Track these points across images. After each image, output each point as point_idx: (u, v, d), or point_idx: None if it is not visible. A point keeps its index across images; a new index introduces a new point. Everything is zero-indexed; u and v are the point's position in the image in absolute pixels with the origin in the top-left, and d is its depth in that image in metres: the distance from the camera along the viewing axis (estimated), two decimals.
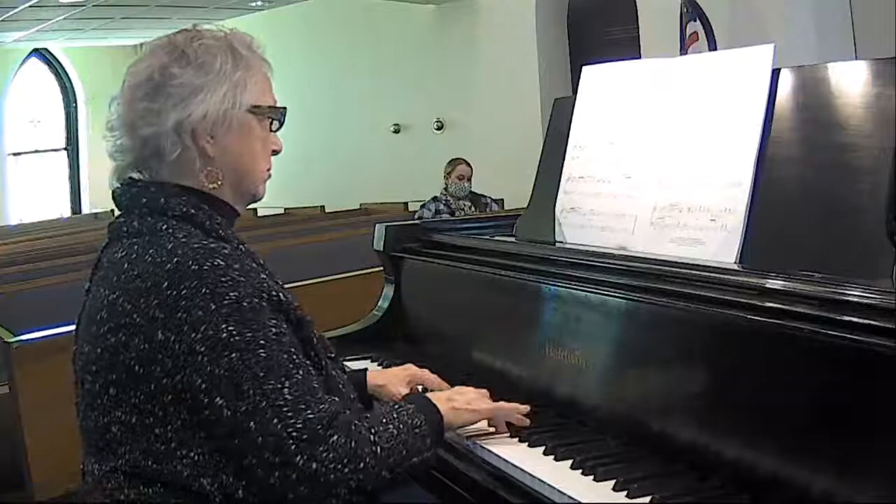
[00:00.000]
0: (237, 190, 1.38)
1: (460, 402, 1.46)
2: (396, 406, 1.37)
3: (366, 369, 1.74)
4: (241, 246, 1.33)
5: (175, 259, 1.22)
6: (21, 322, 3.39)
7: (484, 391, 1.52)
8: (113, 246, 1.32)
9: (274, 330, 1.22)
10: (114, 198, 1.37)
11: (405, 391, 1.66)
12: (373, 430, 1.26)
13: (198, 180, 1.33)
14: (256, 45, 1.40)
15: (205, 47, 1.32)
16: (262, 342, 1.20)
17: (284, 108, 1.42)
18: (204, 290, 1.19)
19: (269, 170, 1.42)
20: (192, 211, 1.30)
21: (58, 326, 3.07)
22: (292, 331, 1.28)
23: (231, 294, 1.20)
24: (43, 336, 3.14)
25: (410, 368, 1.74)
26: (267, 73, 1.41)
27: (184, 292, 1.19)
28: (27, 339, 3.20)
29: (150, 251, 1.24)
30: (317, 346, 1.34)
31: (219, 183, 1.34)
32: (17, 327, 3.35)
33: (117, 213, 1.37)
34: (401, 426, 1.31)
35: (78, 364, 1.30)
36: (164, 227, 1.28)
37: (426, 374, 1.72)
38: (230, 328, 1.19)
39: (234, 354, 1.18)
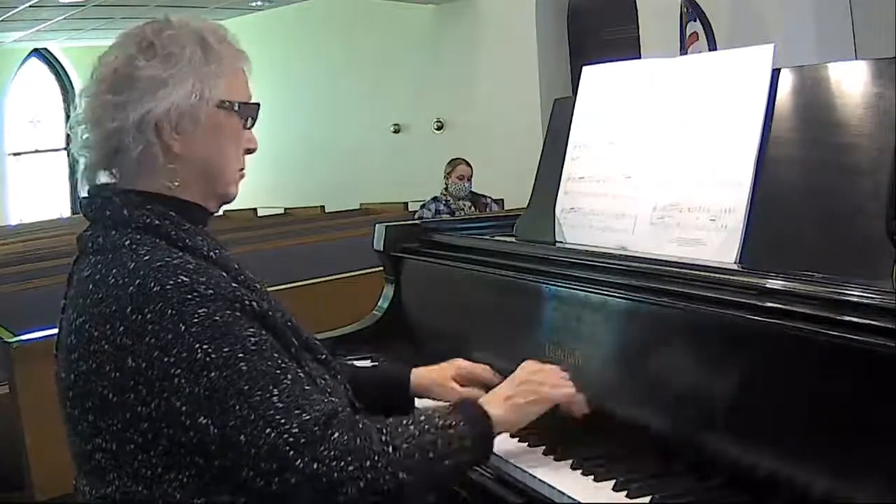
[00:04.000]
0: (206, 190, 1.32)
1: (521, 394, 1.37)
2: (428, 410, 1.31)
3: (410, 369, 1.65)
4: (212, 253, 1.26)
5: (137, 281, 1.15)
6: (21, 322, 3.39)
7: (554, 368, 1.44)
8: (81, 261, 1.27)
9: (253, 339, 1.16)
10: (80, 207, 1.32)
11: (456, 386, 1.59)
12: (385, 430, 1.20)
13: (161, 180, 1.27)
14: (231, 37, 1.33)
15: (173, 38, 1.25)
16: (241, 355, 1.14)
17: (257, 105, 1.34)
18: (170, 312, 1.13)
19: (241, 170, 1.35)
20: (157, 221, 1.24)
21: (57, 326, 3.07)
22: (273, 338, 1.21)
23: (200, 311, 1.14)
24: (43, 336, 3.13)
25: (457, 361, 1.63)
26: (242, 67, 1.33)
27: (149, 316, 1.13)
28: (27, 339, 3.20)
29: (113, 271, 1.18)
30: (297, 352, 1.26)
31: (176, 183, 1.27)
32: (17, 327, 3.35)
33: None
34: (426, 426, 1.23)
35: (58, 387, 1.25)
36: (127, 241, 1.22)
37: (475, 367, 1.63)
38: (205, 346, 1.13)
39: (213, 373, 1.12)
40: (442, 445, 1.22)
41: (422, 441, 1.21)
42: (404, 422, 1.24)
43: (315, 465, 1.12)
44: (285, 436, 1.12)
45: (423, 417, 1.26)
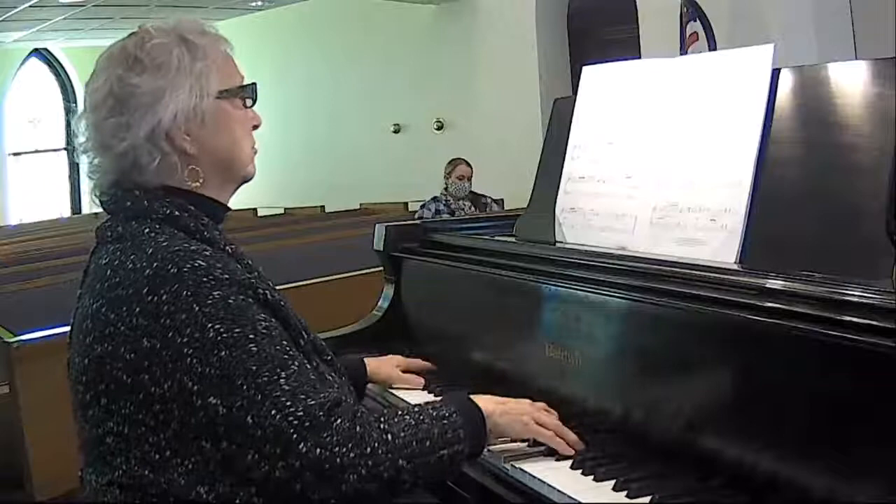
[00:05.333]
0: (226, 179, 1.35)
1: (515, 409, 1.41)
2: (424, 402, 1.34)
3: (362, 358, 1.83)
4: (227, 247, 1.30)
5: (154, 264, 1.19)
6: (21, 322, 3.39)
7: (541, 404, 1.46)
8: (99, 251, 1.29)
9: (263, 324, 1.20)
10: (100, 201, 1.34)
11: (396, 373, 1.84)
12: (382, 419, 1.23)
13: (183, 181, 1.30)
14: (208, 27, 1.35)
15: (158, 47, 1.28)
16: (251, 336, 1.17)
17: (254, 84, 1.37)
18: (185, 293, 1.16)
19: (253, 146, 1.39)
20: (176, 213, 1.27)
21: (58, 326, 3.05)
22: (282, 328, 1.25)
23: (214, 293, 1.17)
24: (43, 336, 3.14)
25: (395, 357, 1.88)
26: (227, 51, 1.36)
27: (164, 297, 1.16)
28: (27, 339, 3.20)
29: (131, 257, 1.21)
30: (305, 347, 1.30)
31: (200, 181, 1.31)
32: (17, 327, 3.35)
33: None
34: (421, 417, 1.26)
35: (70, 374, 1.27)
36: (147, 230, 1.25)
37: (412, 361, 1.88)
38: (217, 326, 1.16)
39: (223, 352, 1.15)
40: (438, 435, 1.25)
41: (418, 430, 1.24)
42: (400, 412, 1.27)
43: (318, 451, 1.14)
44: (290, 418, 1.14)
45: (417, 408, 1.29)
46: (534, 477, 1.35)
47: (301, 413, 1.15)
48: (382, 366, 1.85)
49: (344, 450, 1.16)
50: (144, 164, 1.27)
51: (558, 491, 1.30)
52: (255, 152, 1.39)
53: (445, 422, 1.27)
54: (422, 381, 1.85)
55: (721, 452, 1.28)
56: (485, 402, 1.37)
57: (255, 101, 1.38)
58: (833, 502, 1.11)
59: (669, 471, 1.32)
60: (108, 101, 1.27)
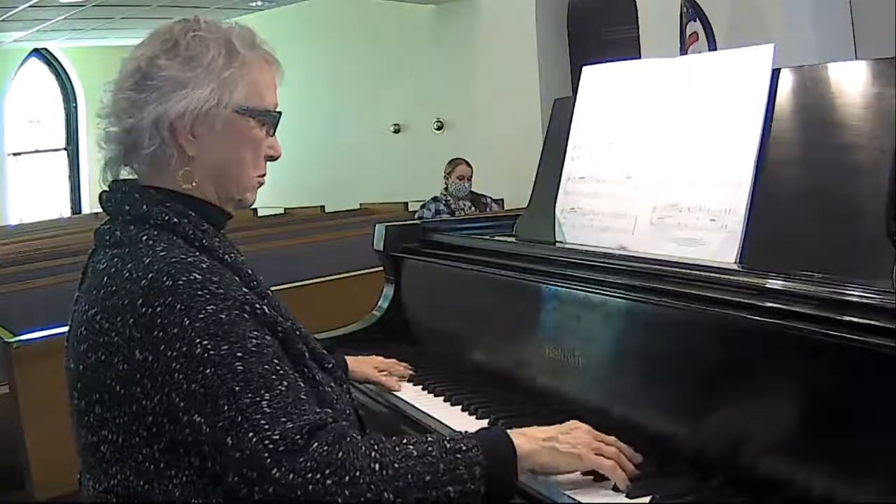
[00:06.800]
0: (222, 194, 1.32)
1: (564, 442, 1.28)
2: (442, 434, 1.25)
3: (344, 357, 1.87)
4: (227, 256, 1.26)
5: (150, 275, 1.16)
6: (21, 322, 3.39)
7: (594, 435, 1.32)
8: (97, 254, 1.28)
9: (254, 341, 1.16)
10: (100, 202, 1.32)
11: (374, 374, 1.89)
12: (377, 446, 1.15)
13: (174, 180, 1.27)
14: (260, 41, 1.33)
15: (199, 39, 1.26)
16: (239, 354, 1.13)
17: (278, 113, 1.34)
18: (178, 307, 1.14)
19: (262, 176, 1.35)
20: (175, 219, 1.24)
21: (58, 326, 3.05)
22: (279, 345, 1.20)
23: (207, 308, 1.14)
24: (43, 336, 3.14)
25: (375, 359, 1.94)
26: (270, 73, 1.34)
27: (158, 310, 1.14)
28: (27, 339, 3.20)
29: (129, 265, 1.19)
30: (305, 360, 1.26)
31: (193, 184, 1.28)
32: (17, 327, 3.35)
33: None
34: (429, 448, 1.17)
35: (67, 378, 1.25)
36: (145, 237, 1.22)
37: (390, 362, 1.93)
38: (205, 342, 1.12)
39: (208, 370, 1.12)
40: (445, 471, 1.15)
41: (419, 463, 1.15)
42: (404, 440, 1.19)
43: (291, 477, 1.09)
44: (266, 442, 1.10)
45: (430, 438, 1.21)
46: (534, 477, 1.35)
47: (277, 437, 1.10)
48: (361, 365, 1.90)
49: (318, 476, 1.09)
50: (143, 146, 1.25)
51: (558, 491, 1.29)
52: (261, 184, 1.35)
53: (459, 456, 1.17)
54: (397, 385, 1.89)
55: (721, 452, 1.28)
56: (525, 439, 1.25)
57: (273, 131, 1.34)
58: (833, 502, 1.11)
59: (669, 471, 1.32)
60: (134, 76, 1.26)
